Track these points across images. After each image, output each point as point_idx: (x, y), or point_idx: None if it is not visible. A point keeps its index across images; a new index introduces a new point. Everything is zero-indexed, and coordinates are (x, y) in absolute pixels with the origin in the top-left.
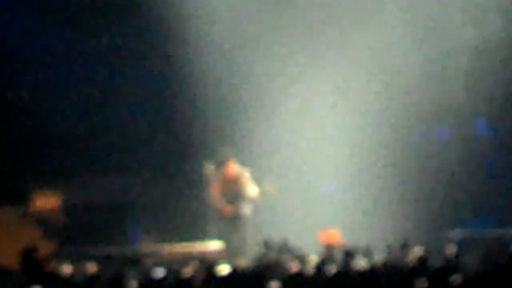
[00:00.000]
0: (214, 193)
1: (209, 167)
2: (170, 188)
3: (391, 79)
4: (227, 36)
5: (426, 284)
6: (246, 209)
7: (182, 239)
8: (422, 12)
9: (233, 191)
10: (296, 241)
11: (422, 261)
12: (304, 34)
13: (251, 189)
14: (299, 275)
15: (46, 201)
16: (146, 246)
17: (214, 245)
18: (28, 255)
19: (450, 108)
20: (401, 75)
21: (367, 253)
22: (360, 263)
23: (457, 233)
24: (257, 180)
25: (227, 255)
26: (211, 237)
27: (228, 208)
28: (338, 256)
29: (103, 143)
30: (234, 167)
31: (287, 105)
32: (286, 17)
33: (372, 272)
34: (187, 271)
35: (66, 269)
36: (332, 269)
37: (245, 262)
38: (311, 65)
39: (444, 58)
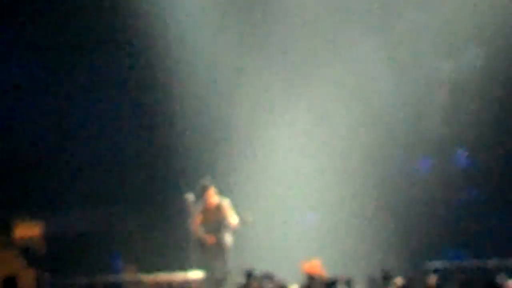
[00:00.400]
0: (195, 222)
1: (189, 197)
2: (151, 218)
3: (371, 111)
4: (206, 64)
5: None
6: (228, 238)
7: (163, 268)
8: (400, 46)
9: (214, 220)
10: (278, 271)
11: None
12: (284, 65)
13: (232, 218)
14: None
15: (28, 231)
16: (128, 276)
17: (195, 275)
18: (10, 284)
19: (431, 139)
20: (381, 108)
21: (349, 283)
22: None
23: (436, 264)
24: (237, 209)
25: (209, 284)
26: (192, 267)
27: (210, 238)
28: (320, 286)
29: (84, 174)
30: (214, 197)
31: (268, 134)
32: (267, 48)
33: None
34: None
35: None
36: None
37: None
38: (293, 95)
39: (422, 91)
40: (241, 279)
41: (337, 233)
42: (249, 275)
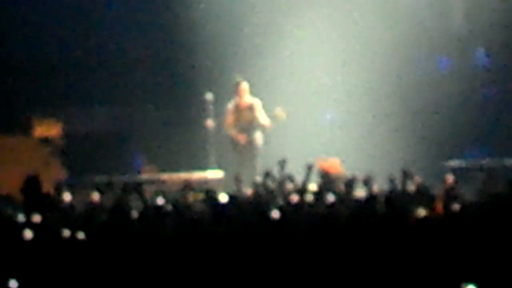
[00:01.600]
0: (228, 121)
1: (209, 96)
2: (171, 117)
3: (392, 10)
4: None
5: (425, 213)
6: (259, 138)
7: (182, 168)
8: None
9: (246, 119)
10: (297, 170)
11: (422, 189)
12: None
13: (264, 118)
14: (299, 204)
15: (48, 129)
16: (147, 175)
17: (214, 174)
18: (30, 184)
19: (450, 38)
20: (401, 4)
21: (367, 182)
22: (360, 192)
23: (455, 163)
24: (266, 108)
25: (229, 183)
26: (212, 167)
27: (242, 137)
28: (337, 185)
29: (105, 73)
30: (247, 94)
31: (291, 32)
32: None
33: (371, 201)
34: (188, 198)
35: (66, 197)
36: (331, 198)
37: (249, 191)
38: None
39: None
40: (261, 180)
41: (356, 132)
42: (267, 174)
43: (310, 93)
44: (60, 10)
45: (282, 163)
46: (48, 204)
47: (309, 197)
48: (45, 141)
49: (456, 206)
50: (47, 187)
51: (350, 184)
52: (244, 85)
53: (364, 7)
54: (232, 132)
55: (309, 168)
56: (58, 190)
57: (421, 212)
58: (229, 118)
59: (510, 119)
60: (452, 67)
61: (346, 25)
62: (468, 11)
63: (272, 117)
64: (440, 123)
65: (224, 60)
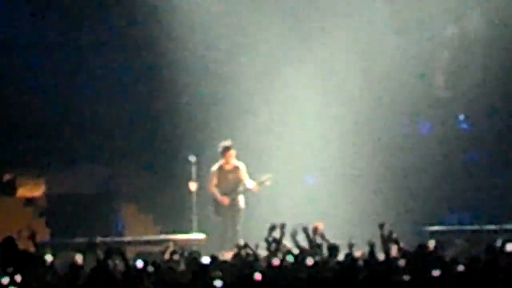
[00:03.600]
0: (211, 183)
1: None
2: (154, 180)
3: (374, 75)
4: (211, 28)
5: (408, 277)
6: (242, 201)
7: (165, 230)
8: (404, 9)
9: (230, 182)
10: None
11: (405, 255)
12: (288, 27)
13: (248, 182)
14: (280, 267)
15: (31, 191)
16: (129, 236)
17: (197, 236)
18: (8, 245)
19: (432, 104)
20: (385, 71)
21: (349, 247)
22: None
23: (436, 228)
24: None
25: (211, 246)
26: (194, 230)
27: (225, 199)
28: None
29: (88, 133)
30: (233, 159)
31: (272, 98)
32: (269, 10)
33: (353, 265)
34: (167, 256)
35: (48, 258)
36: (310, 261)
37: (229, 254)
38: (294, 61)
39: (426, 54)
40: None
41: (338, 196)
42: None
43: (292, 156)
44: (44, 70)
45: (272, 229)
46: (28, 264)
47: (291, 260)
48: (28, 202)
49: (436, 272)
50: (30, 247)
51: (333, 248)
52: (233, 152)
53: (347, 69)
54: (216, 194)
55: (305, 230)
56: (40, 250)
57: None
58: (213, 181)
59: (491, 185)
60: (434, 131)
61: (330, 89)
62: (450, 77)
63: (260, 183)
64: (421, 188)
65: (208, 123)
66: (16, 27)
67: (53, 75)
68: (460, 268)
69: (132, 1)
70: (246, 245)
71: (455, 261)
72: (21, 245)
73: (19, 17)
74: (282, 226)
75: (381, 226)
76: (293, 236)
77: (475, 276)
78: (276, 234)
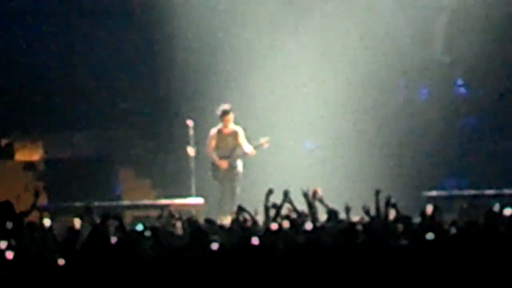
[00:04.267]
0: (209, 146)
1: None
2: (152, 144)
3: (372, 40)
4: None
5: (406, 242)
6: (240, 165)
7: (162, 195)
8: None
9: (228, 145)
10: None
11: (404, 219)
12: None
13: (247, 146)
14: (278, 232)
15: (29, 155)
16: (127, 201)
17: (195, 200)
18: (6, 209)
19: (430, 68)
20: (383, 36)
21: (346, 211)
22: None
23: (434, 193)
24: (248, 136)
25: (209, 211)
26: (192, 194)
27: (223, 163)
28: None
29: (86, 98)
30: (231, 123)
31: (272, 60)
32: None
33: (351, 229)
34: (165, 220)
35: (46, 222)
36: (309, 225)
37: (227, 218)
38: (292, 26)
39: (426, 18)
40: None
41: (335, 161)
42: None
43: (290, 121)
44: (43, 36)
45: (269, 194)
46: (25, 228)
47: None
48: (26, 166)
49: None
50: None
51: (332, 212)
52: (231, 116)
53: (346, 35)
54: (214, 157)
55: (305, 195)
56: (38, 215)
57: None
58: (211, 144)
59: (490, 150)
60: (431, 96)
61: (328, 55)
62: (448, 42)
63: (257, 145)
64: (420, 153)
65: (206, 87)
66: None
67: (51, 41)
68: (456, 232)
69: None
70: (243, 210)
71: (453, 226)
72: (19, 209)
73: None
74: (285, 193)
75: (377, 193)
76: (267, 196)
77: (473, 241)
78: (274, 199)
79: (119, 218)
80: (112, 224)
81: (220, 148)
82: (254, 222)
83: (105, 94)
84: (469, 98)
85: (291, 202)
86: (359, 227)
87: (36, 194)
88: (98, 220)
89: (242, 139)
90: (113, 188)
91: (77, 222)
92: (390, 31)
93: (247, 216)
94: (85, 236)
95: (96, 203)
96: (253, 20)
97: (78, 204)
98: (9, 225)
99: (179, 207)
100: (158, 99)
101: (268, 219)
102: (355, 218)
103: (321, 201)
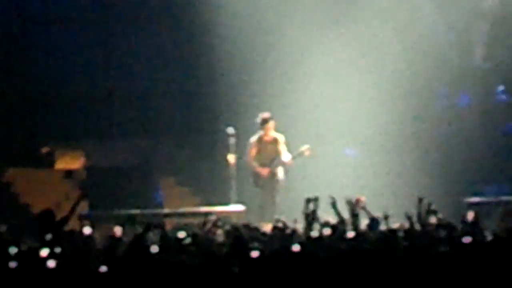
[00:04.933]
0: (250, 154)
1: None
2: (193, 152)
3: (413, 47)
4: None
5: (447, 248)
6: (281, 173)
7: (204, 203)
8: None
9: (269, 153)
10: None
11: (446, 226)
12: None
13: (285, 154)
14: (319, 239)
15: (70, 162)
16: (169, 209)
17: (235, 208)
18: (47, 217)
19: (471, 74)
20: (425, 41)
21: (386, 218)
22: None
23: (475, 200)
24: (288, 144)
25: (250, 218)
26: (233, 201)
27: (264, 171)
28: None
29: (127, 106)
30: (272, 130)
31: (312, 67)
32: None
33: (391, 236)
34: (208, 227)
35: (87, 230)
36: (351, 233)
37: (268, 226)
38: (336, 34)
39: (466, 24)
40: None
41: (377, 168)
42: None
43: (331, 129)
44: (82, 43)
45: (308, 202)
46: (65, 236)
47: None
48: (67, 174)
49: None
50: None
51: (374, 220)
52: (272, 123)
53: (387, 42)
54: (255, 165)
55: (349, 203)
56: (79, 223)
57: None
58: (252, 152)
59: None
60: (472, 103)
61: (369, 62)
62: (489, 48)
63: (298, 154)
64: (460, 160)
65: (247, 95)
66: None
67: (91, 49)
68: (496, 238)
69: None
70: (282, 221)
71: (493, 232)
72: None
73: None
74: (316, 199)
75: (420, 200)
76: (334, 205)
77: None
78: (312, 207)
79: (161, 226)
80: (154, 232)
81: (260, 156)
82: (294, 230)
83: (145, 102)
84: (510, 104)
85: (337, 211)
86: (400, 234)
87: (79, 200)
88: (139, 229)
89: (282, 147)
90: (154, 196)
91: (118, 230)
92: (431, 37)
93: (286, 225)
94: (126, 244)
95: (137, 211)
96: (293, 29)
97: (119, 212)
98: (49, 235)
99: (220, 215)
100: (199, 107)
101: (308, 227)
102: (395, 225)
103: (364, 209)
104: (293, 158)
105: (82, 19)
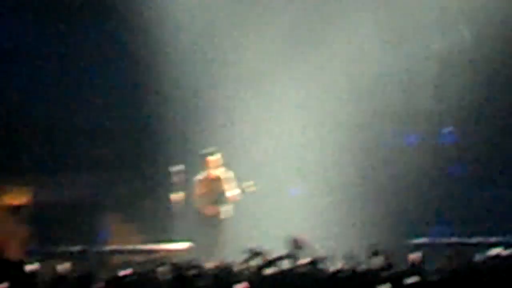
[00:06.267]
0: (197, 193)
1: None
2: (138, 188)
3: (360, 84)
4: (199, 35)
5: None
6: (227, 211)
7: (150, 239)
8: (391, 18)
9: (215, 191)
10: (263, 242)
11: (389, 267)
12: (274, 34)
13: (231, 191)
14: (270, 276)
15: (16, 198)
16: (114, 245)
17: (181, 246)
18: None
19: (419, 115)
20: (370, 80)
21: (326, 259)
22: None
23: (420, 241)
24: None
25: (197, 255)
26: (179, 238)
27: (210, 209)
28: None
29: (74, 142)
30: (217, 167)
31: (254, 105)
32: (258, 15)
33: (337, 277)
34: (153, 268)
35: (32, 267)
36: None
37: (214, 263)
38: (279, 69)
39: (412, 64)
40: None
41: (321, 207)
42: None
43: (277, 167)
44: (28, 76)
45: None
46: (12, 272)
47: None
48: (13, 209)
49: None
50: (15, 255)
51: (317, 260)
52: (213, 158)
53: (333, 79)
54: (201, 204)
55: (293, 242)
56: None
57: None
58: (198, 190)
59: (477, 198)
60: (419, 143)
61: (315, 100)
62: (436, 89)
63: (241, 190)
64: (406, 200)
65: (193, 131)
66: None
67: (37, 82)
68: (440, 279)
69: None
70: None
71: (438, 273)
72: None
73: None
74: (259, 253)
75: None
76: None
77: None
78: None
79: (106, 263)
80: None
81: (206, 194)
82: (240, 267)
83: (90, 137)
84: (457, 145)
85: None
86: (343, 274)
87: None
88: (94, 265)
89: (229, 183)
90: (100, 232)
91: (66, 267)
92: (377, 77)
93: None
94: (74, 280)
95: (84, 248)
96: (236, 73)
97: (66, 248)
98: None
99: (166, 252)
100: (146, 144)
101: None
102: (339, 265)
103: (307, 247)
104: (238, 194)
105: (33, 51)
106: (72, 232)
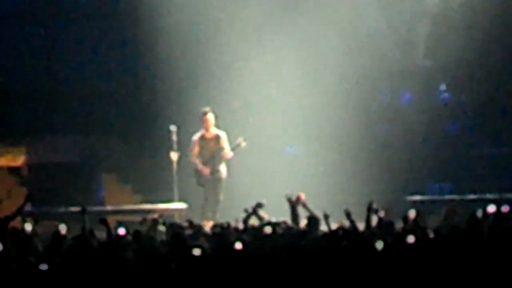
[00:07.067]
0: (192, 151)
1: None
2: (134, 149)
3: (355, 45)
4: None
5: (381, 245)
6: (223, 170)
7: (145, 200)
8: None
9: (211, 150)
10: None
11: (387, 224)
12: None
13: (226, 151)
14: (262, 237)
15: (11, 160)
16: (110, 206)
17: (178, 206)
18: None
19: (413, 73)
20: (366, 41)
21: (325, 218)
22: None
23: (416, 198)
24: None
25: (192, 216)
26: (175, 199)
27: (206, 168)
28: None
29: (69, 103)
30: (212, 125)
31: (252, 66)
32: None
33: (332, 236)
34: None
35: (28, 227)
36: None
37: (209, 223)
38: (275, 31)
39: (407, 23)
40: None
41: (318, 166)
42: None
43: (273, 126)
44: (23, 39)
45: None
46: (8, 233)
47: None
48: (10, 171)
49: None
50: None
51: (313, 219)
52: (209, 116)
53: (328, 41)
54: (197, 163)
55: (289, 200)
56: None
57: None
58: (194, 150)
59: (472, 155)
60: (414, 101)
61: (311, 60)
62: (430, 48)
63: (234, 147)
64: (402, 158)
65: (189, 92)
66: None
67: (32, 46)
68: (438, 237)
69: None
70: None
71: (435, 231)
72: (2, 214)
73: None
74: (258, 205)
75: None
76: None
77: (455, 246)
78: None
79: (104, 222)
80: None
81: (203, 154)
82: (235, 228)
83: (87, 99)
84: (452, 103)
85: (258, 215)
86: (340, 233)
87: (26, 201)
88: (88, 225)
89: (224, 144)
90: (96, 193)
91: (63, 228)
92: (372, 36)
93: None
94: (71, 241)
95: (78, 208)
96: (234, 25)
97: (61, 209)
98: None
99: (162, 212)
100: (140, 105)
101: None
102: (335, 223)
103: (304, 206)
104: (231, 150)
105: (25, 15)
106: (69, 193)
